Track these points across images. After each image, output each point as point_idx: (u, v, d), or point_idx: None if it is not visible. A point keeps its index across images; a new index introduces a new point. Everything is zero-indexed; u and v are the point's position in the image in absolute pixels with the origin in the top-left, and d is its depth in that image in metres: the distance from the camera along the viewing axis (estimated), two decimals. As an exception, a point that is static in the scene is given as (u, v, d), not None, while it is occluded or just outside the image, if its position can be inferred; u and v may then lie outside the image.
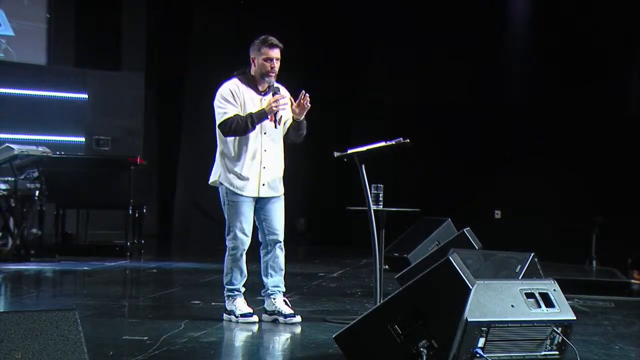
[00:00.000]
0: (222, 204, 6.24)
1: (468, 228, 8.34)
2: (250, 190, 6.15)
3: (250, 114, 6.10)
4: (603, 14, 11.57)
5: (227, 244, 6.23)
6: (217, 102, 6.18)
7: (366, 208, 6.06)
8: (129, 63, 13.27)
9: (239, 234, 6.15)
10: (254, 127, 6.10)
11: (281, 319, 6.20)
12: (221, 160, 6.21)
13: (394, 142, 6.00)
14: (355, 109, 13.45)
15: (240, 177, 6.14)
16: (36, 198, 10.21)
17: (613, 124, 11.50)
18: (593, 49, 11.72)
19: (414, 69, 12.97)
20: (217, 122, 6.15)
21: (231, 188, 6.14)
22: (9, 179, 10.01)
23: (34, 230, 10.49)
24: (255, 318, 6.19)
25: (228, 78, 6.27)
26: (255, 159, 6.16)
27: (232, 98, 6.14)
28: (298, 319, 6.21)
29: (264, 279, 6.27)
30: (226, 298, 6.28)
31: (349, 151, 6.06)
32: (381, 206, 6.21)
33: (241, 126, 6.08)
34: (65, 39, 12.97)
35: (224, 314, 6.27)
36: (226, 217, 6.21)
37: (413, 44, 12.90)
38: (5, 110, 11.99)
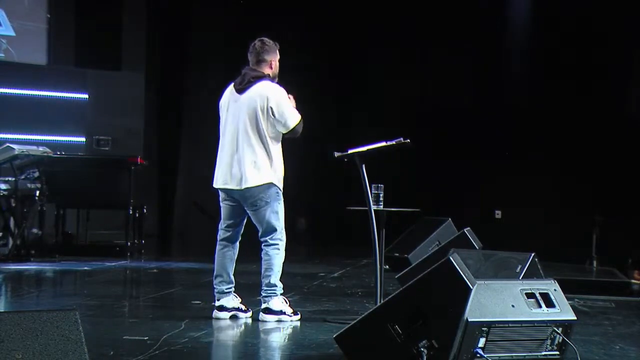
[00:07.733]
0: (271, 204, 6.16)
1: (468, 228, 8.33)
2: None
3: None
4: (603, 14, 11.56)
5: (277, 243, 6.20)
6: (287, 101, 6.17)
7: (366, 208, 6.06)
8: (129, 63, 13.27)
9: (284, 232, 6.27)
10: None
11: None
12: (269, 160, 6.15)
13: (394, 142, 5.99)
14: (356, 109, 13.45)
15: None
16: (36, 198, 10.21)
17: (613, 124, 11.50)
18: (593, 49, 11.72)
19: (414, 69, 12.96)
20: (296, 121, 6.16)
21: (280, 187, 6.21)
22: (10, 179, 10.01)
23: (35, 230, 10.50)
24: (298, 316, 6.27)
25: (258, 79, 6.14)
26: None
27: None
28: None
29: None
30: (275, 297, 6.19)
31: (349, 151, 6.05)
32: (381, 206, 6.21)
33: None
34: (65, 39, 12.97)
35: (267, 315, 6.18)
36: (277, 218, 6.19)
37: (413, 44, 12.90)
38: (6, 110, 11.99)
